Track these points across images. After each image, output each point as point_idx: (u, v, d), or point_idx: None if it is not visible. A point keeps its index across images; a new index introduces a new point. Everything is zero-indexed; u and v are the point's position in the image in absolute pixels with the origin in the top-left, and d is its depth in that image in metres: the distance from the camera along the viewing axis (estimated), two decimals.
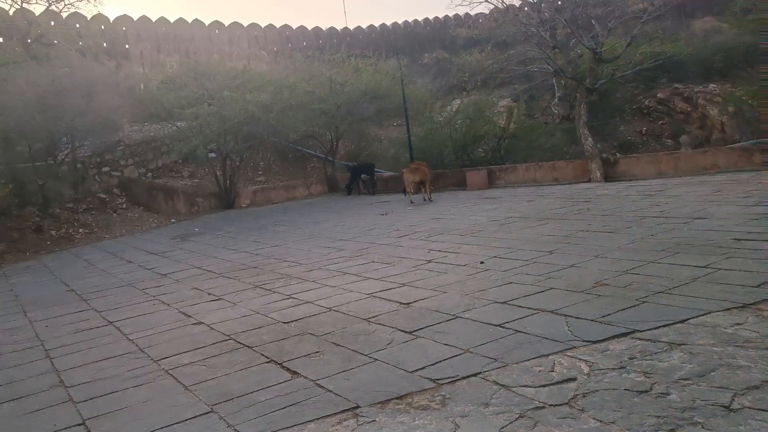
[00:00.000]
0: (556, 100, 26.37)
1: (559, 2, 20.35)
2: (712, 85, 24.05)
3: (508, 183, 19.37)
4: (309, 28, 38.99)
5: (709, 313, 4.70)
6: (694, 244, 7.34)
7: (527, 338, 4.63)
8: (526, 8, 21.48)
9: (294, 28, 38.68)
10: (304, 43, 37.80)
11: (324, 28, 39.30)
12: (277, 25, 38.16)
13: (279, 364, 4.73)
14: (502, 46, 25.86)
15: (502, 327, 4.97)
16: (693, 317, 4.65)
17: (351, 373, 4.34)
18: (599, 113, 23.13)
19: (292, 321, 6.01)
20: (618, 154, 19.90)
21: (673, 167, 16.93)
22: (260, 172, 26.19)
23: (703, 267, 6.14)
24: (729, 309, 4.73)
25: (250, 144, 22.73)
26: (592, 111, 20.88)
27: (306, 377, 4.36)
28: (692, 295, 5.25)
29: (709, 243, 7.26)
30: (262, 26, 37.62)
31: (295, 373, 4.49)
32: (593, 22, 18.92)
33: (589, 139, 18.32)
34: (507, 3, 21.13)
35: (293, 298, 7.08)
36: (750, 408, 3.04)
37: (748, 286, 5.25)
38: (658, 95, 25.18)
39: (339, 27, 40.30)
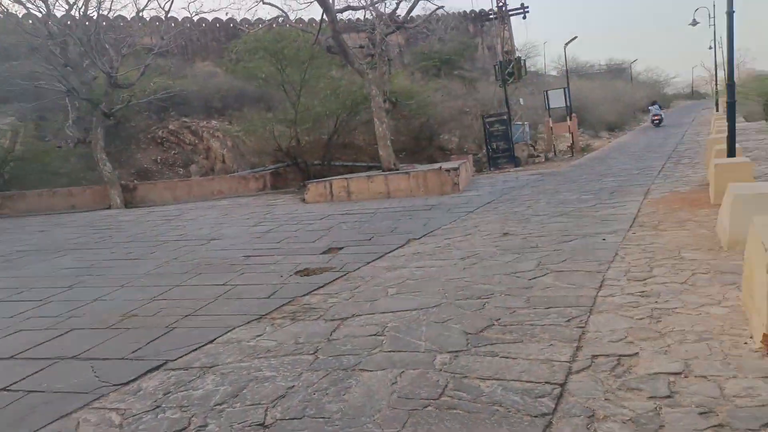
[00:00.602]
0: (70, 122, 23.38)
1: (69, 21, 18.01)
2: (213, 122, 25.81)
3: (16, 212, 15.99)
4: None
5: (233, 329, 4.68)
6: (212, 263, 7.43)
7: (44, 398, 3.60)
8: (31, 21, 18.24)
9: None
10: None
11: None
12: None
13: None
14: (3, 56, 21.23)
15: (9, 390, 3.75)
16: (220, 336, 4.54)
17: None
18: (117, 139, 21.69)
19: None
20: (136, 181, 19.09)
21: (187, 193, 17.31)
22: None
23: (223, 285, 6.21)
24: (249, 322, 4.82)
25: None
26: (110, 137, 19.40)
27: None
28: (217, 313, 5.18)
29: (225, 261, 7.48)
30: None
31: None
32: (107, 46, 17.55)
33: (108, 164, 16.91)
34: (7, 8, 17.51)
35: None
36: (281, 419, 3.02)
37: (261, 298, 5.54)
38: (170, 127, 25.42)
39: None
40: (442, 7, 17.43)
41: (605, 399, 2.79)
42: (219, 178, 19.35)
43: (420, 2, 16.05)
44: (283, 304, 5.26)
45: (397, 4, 16.57)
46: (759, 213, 4.85)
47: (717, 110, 34.03)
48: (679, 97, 76.95)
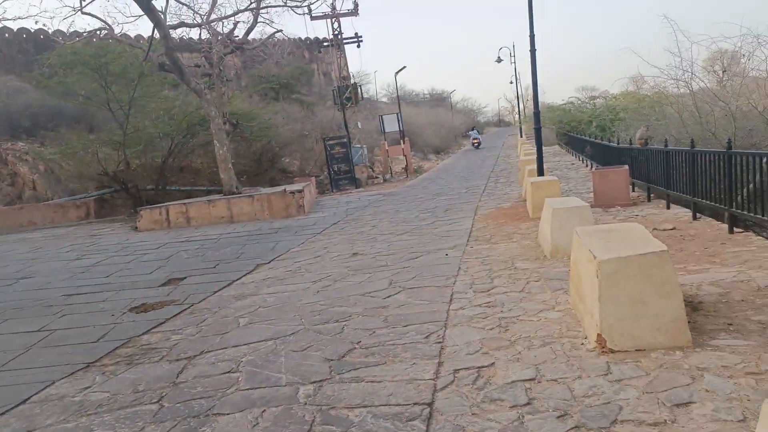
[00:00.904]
0: None
1: None
2: (21, 143, 22.32)
3: None
4: None
5: (53, 383, 3.88)
6: (23, 306, 6.24)
7: None
8: None
9: None
10: None
11: None
12: None
13: None
14: None
15: None
16: (36, 393, 3.73)
17: None
18: None
19: None
20: None
21: None
22: None
23: (38, 331, 5.21)
24: (74, 373, 4.05)
25: None
26: None
27: None
28: (31, 366, 4.28)
29: (39, 303, 6.32)
30: None
31: None
32: None
33: None
34: None
35: None
36: None
37: (89, 343, 4.72)
38: None
39: None
40: (280, 30, 17.26)
41: (472, 414, 2.77)
42: (29, 207, 16.69)
43: (258, 25, 15.70)
44: (117, 347, 4.53)
45: (235, 25, 16.01)
46: (574, 225, 5.41)
47: (521, 136, 38.63)
48: (490, 125, 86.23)
